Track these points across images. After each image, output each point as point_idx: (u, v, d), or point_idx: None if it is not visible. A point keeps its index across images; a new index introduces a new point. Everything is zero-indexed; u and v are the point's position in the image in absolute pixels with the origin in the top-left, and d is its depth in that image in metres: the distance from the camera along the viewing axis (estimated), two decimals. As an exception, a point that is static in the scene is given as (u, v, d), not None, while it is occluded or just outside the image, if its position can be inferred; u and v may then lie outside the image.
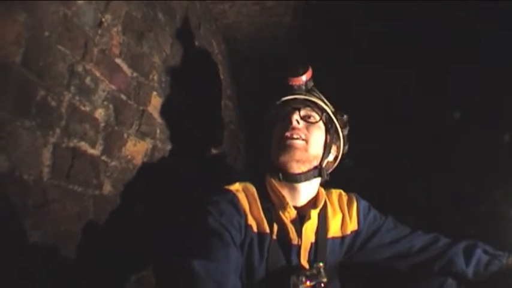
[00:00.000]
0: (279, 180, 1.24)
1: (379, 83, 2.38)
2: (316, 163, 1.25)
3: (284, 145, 1.22)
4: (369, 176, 2.29)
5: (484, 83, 1.66)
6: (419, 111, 2.08)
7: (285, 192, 1.25)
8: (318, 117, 1.28)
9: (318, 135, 1.26)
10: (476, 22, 1.67)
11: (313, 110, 1.29)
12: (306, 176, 1.24)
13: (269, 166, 1.29)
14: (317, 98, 1.31)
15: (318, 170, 1.26)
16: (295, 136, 1.22)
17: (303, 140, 1.22)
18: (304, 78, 1.32)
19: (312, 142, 1.24)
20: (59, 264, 1.12)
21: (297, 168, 1.22)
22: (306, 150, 1.22)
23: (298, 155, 1.21)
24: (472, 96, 1.69)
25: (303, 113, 1.27)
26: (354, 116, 1.36)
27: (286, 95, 1.31)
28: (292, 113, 1.25)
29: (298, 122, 1.24)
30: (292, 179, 1.23)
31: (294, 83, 1.31)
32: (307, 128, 1.25)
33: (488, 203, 1.55)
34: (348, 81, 2.43)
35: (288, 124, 1.24)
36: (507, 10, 1.49)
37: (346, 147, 1.36)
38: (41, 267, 1.05)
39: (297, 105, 1.28)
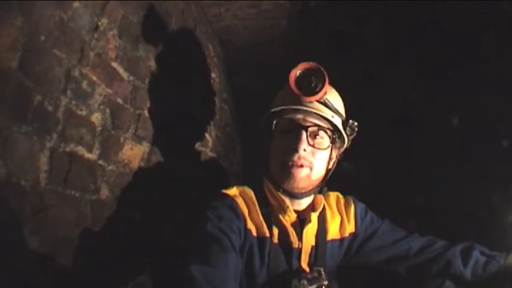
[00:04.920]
0: (280, 192, 1.22)
1: (379, 85, 2.37)
2: (318, 182, 1.24)
3: (288, 172, 1.16)
4: (368, 180, 2.28)
5: (484, 87, 1.65)
6: (418, 114, 2.07)
7: (285, 197, 1.23)
8: (325, 140, 1.20)
9: (323, 158, 1.20)
10: (477, 23, 1.67)
11: (322, 128, 1.18)
12: (307, 194, 1.24)
13: (268, 172, 1.26)
14: (329, 109, 1.18)
15: (319, 187, 1.26)
16: (299, 164, 1.15)
17: (307, 167, 1.17)
18: (319, 96, 1.15)
19: (316, 168, 1.18)
20: (57, 269, 1.11)
21: (298, 190, 1.20)
22: (310, 177, 1.18)
23: (302, 183, 1.18)
24: (471, 100, 1.69)
25: (310, 131, 1.16)
26: (355, 119, 1.27)
27: (294, 104, 1.17)
28: (299, 134, 1.14)
29: (305, 150, 1.15)
30: (293, 196, 1.23)
31: (306, 101, 1.16)
32: (312, 153, 1.17)
33: (487, 208, 1.54)
34: (346, 84, 2.41)
35: (294, 151, 1.14)
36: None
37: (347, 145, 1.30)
38: (40, 272, 1.04)
39: (305, 123, 1.16)
